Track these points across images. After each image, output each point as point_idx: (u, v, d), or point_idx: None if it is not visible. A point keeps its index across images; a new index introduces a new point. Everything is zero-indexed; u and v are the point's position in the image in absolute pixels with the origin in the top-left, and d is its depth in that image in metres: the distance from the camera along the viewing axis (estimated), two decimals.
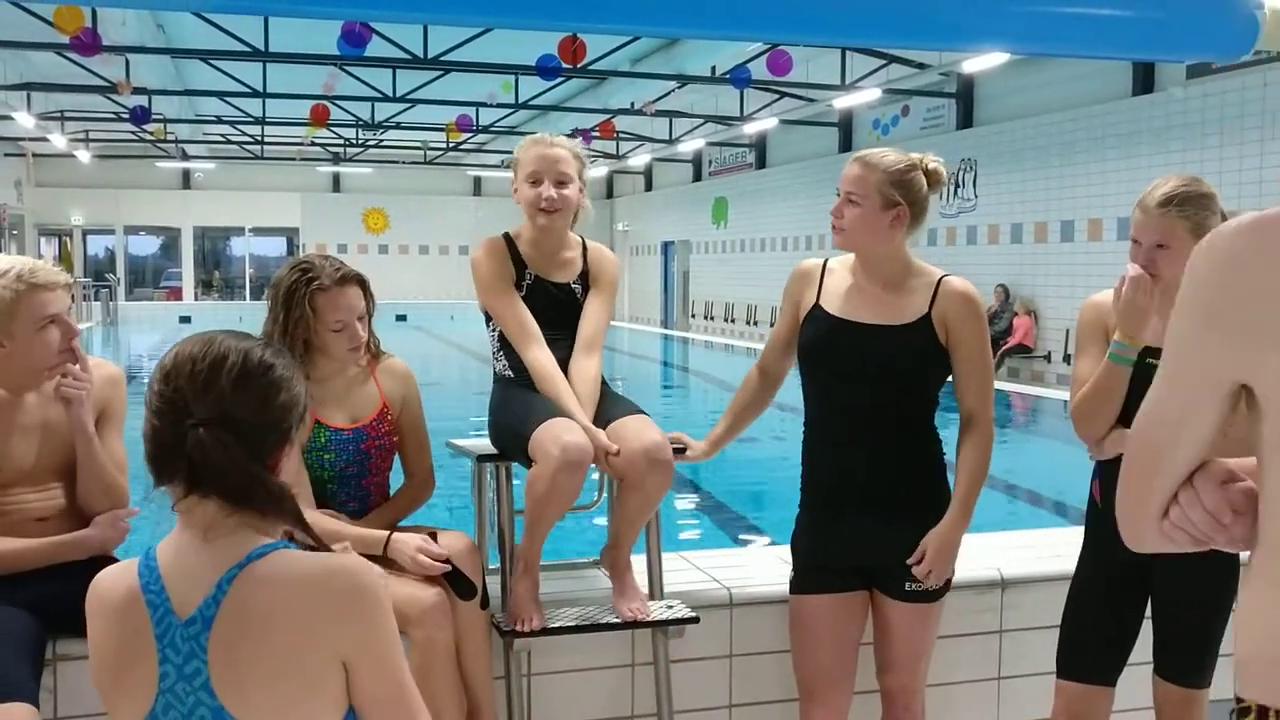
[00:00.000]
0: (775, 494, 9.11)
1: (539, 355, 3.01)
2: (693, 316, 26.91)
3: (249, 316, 30.79)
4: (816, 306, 2.89)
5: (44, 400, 2.73)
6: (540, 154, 3.06)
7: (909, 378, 2.78)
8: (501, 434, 3.08)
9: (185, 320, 27.25)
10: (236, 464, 1.61)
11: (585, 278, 3.18)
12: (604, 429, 2.90)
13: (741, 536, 7.56)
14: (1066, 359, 14.52)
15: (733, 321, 24.57)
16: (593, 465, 2.87)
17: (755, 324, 23.44)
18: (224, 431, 1.61)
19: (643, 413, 3.02)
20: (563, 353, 3.06)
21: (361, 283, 3.01)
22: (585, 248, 3.22)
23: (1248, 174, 11.85)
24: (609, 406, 3.03)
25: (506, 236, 3.19)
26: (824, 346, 2.85)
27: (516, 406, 3.00)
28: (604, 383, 3.10)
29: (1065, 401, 10.55)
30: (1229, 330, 1.30)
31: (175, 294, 32.13)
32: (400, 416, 3.13)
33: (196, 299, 31.92)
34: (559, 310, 3.11)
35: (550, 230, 3.09)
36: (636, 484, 2.91)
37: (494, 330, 3.16)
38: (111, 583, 1.69)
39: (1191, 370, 1.34)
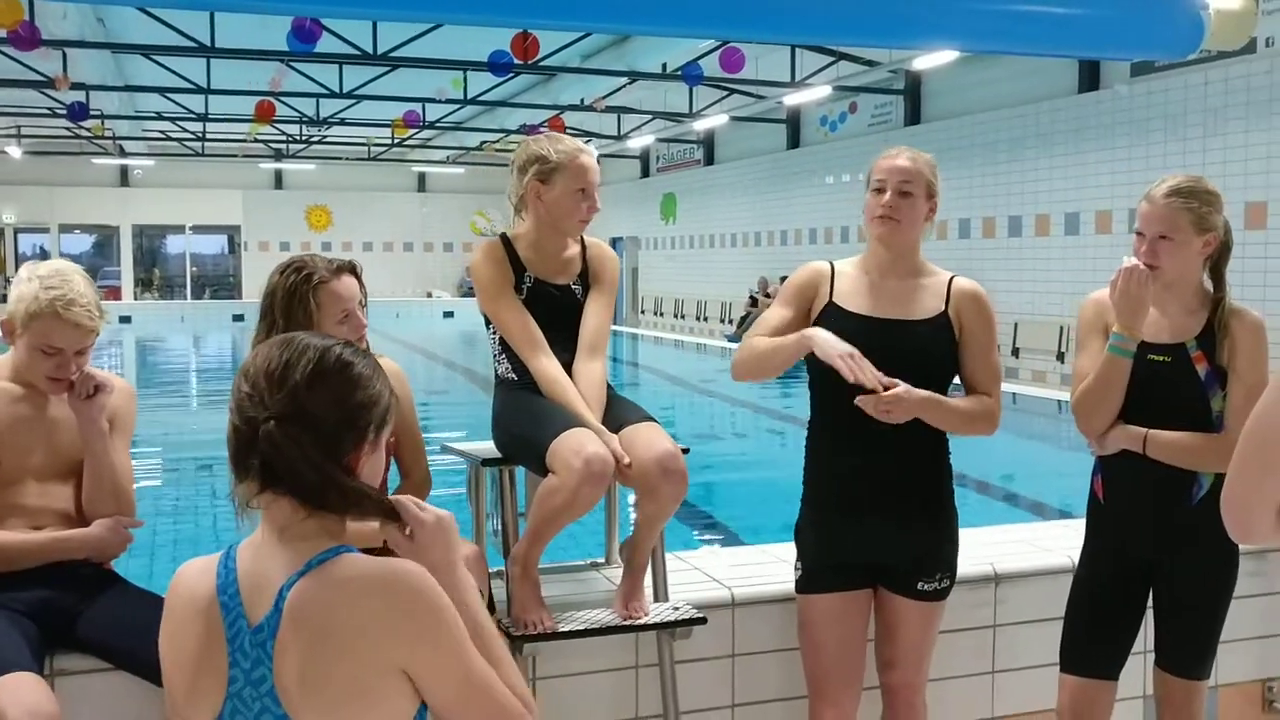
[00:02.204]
0: (732, 491, 9.15)
1: (546, 364, 2.99)
2: (642, 312, 26.93)
3: (191, 316, 30.42)
4: (831, 303, 2.89)
5: (58, 400, 2.71)
6: (589, 165, 3.07)
7: (926, 372, 2.78)
8: (511, 441, 3.06)
9: (125, 320, 26.75)
10: (309, 461, 1.60)
11: (585, 277, 3.17)
12: (614, 434, 2.89)
13: (699, 536, 7.54)
14: (1015, 353, 14.73)
15: (682, 317, 24.62)
16: None
17: (705, 320, 23.52)
18: (296, 427, 1.60)
19: (652, 419, 3.01)
20: (565, 355, 3.05)
21: (354, 270, 2.99)
22: (584, 245, 3.20)
23: (1191, 170, 12.07)
24: (617, 411, 3.02)
25: (504, 239, 3.16)
26: (847, 341, 2.81)
27: (527, 413, 2.97)
28: (610, 386, 3.09)
29: (1015, 395, 10.66)
30: None
31: (113, 293, 31.47)
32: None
33: (136, 298, 31.33)
34: (560, 313, 3.09)
35: (572, 234, 3.10)
36: (650, 493, 2.91)
37: (494, 334, 3.13)
38: (194, 583, 1.68)
39: None
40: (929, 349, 2.81)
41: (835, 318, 2.87)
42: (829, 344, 2.70)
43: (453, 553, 1.73)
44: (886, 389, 2.68)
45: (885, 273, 2.90)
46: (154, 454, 10.17)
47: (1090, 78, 13.85)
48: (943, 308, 2.85)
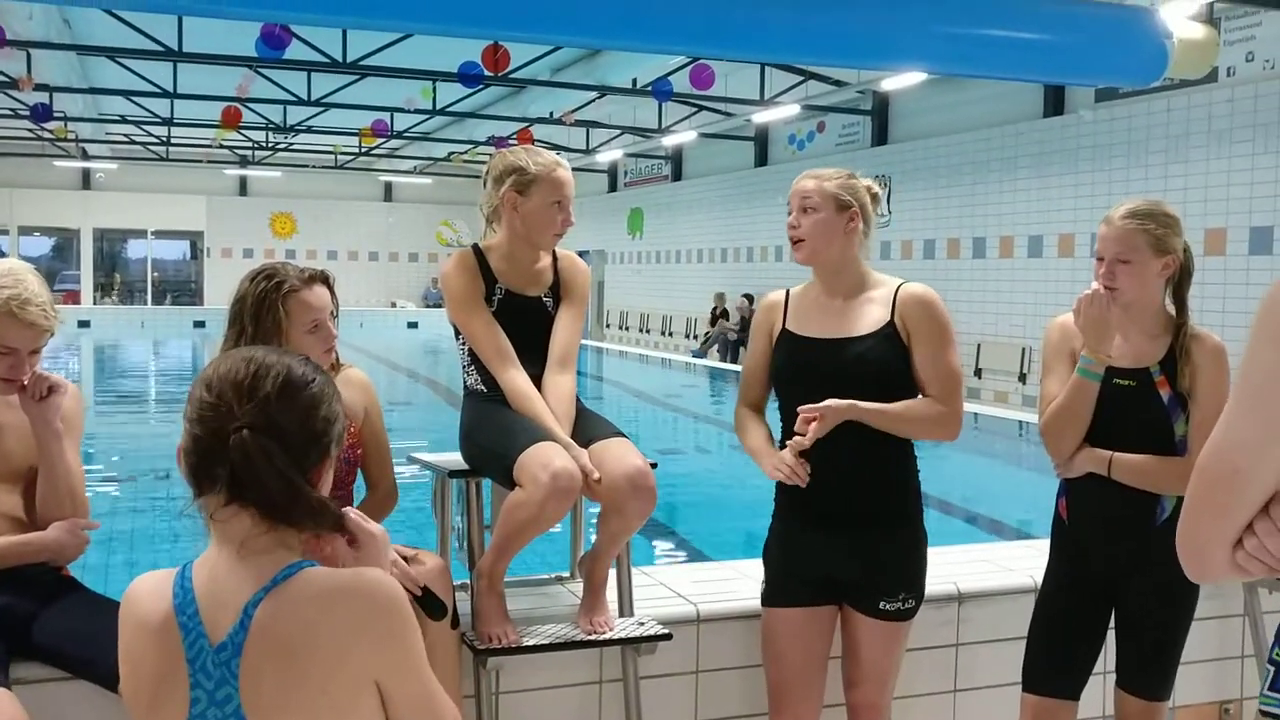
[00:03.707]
0: (696, 506, 9.15)
1: (515, 377, 2.98)
2: (607, 326, 26.93)
3: (151, 321, 30.06)
4: (784, 331, 2.93)
5: (4, 404, 2.66)
6: (566, 179, 3.08)
7: (877, 385, 2.79)
8: (479, 453, 3.04)
9: (84, 325, 26.40)
10: (279, 472, 1.59)
11: (556, 289, 3.16)
12: (583, 449, 2.88)
13: (663, 550, 7.53)
14: (978, 373, 14.85)
15: (648, 332, 24.64)
16: None
17: (670, 335, 23.55)
18: (267, 438, 1.59)
19: (622, 434, 3.01)
20: (534, 368, 3.04)
21: (327, 280, 2.97)
22: (556, 257, 3.20)
23: (1152, 195, 12.23)
24: (587, 425, 3.01)
25: (476, 249, 3.15)
26: (794, 366, 2.89)
27: (495, 426, 2.96)
28: (579, 400, 3.08)
29: (976, 415, 10.78)
30: None
31: (72, 297, 31.10)
32: (363, 428, 3.07)
33: (95, 303, 30.94)
34: (530, 325, 3.09)
35: (546, 247, 3.10)
36: (617, 509, 2.90)
37: (463, 344, 3.12)
38: (149, 604, 1.65)
39: (1273, 397, 1.34)
40: (873, 363, 2.81)
41: (787, 344, 2.92)
42: (769, 467, 2.85)
43: (385, 568, 1.76)
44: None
45: (832, 292, 2.92)
46: (111, 459, 10.05)
47: (1055, 102, 14.02)
48: (888, 318, 2.85)
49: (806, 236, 2.87)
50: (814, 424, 2.73)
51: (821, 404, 2.74)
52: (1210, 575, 1.43)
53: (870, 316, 2.86)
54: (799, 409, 2.76)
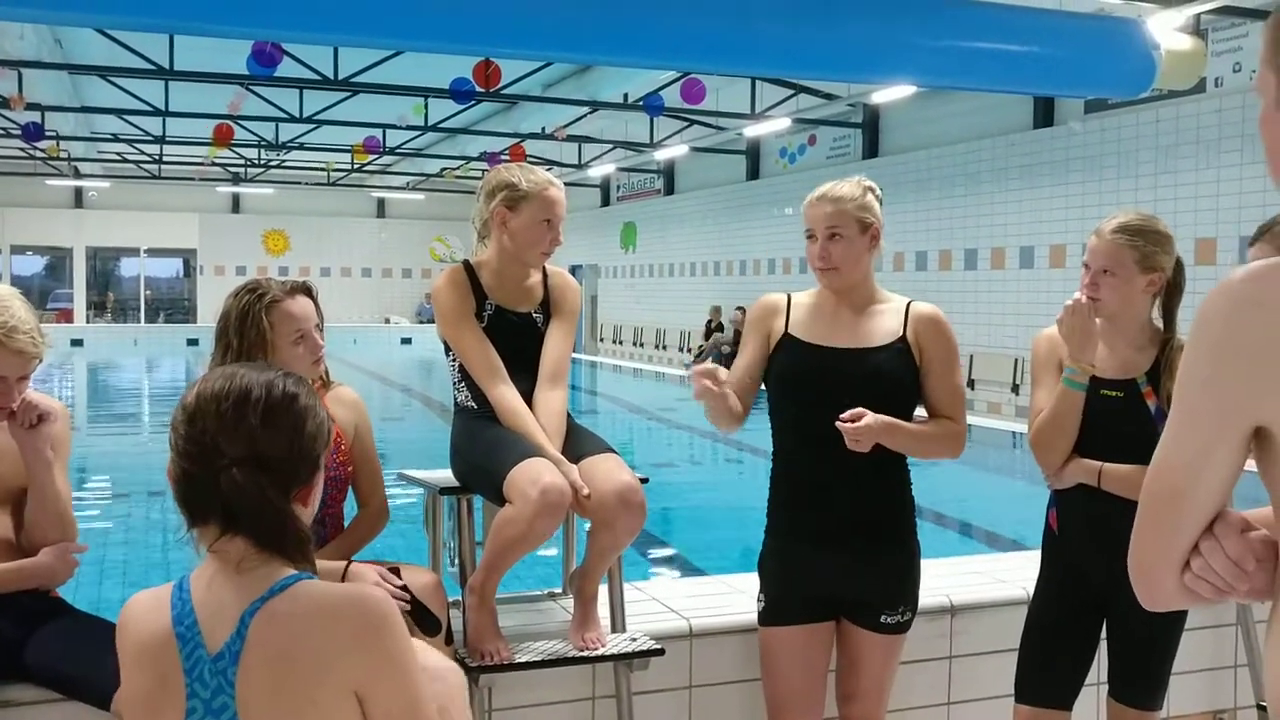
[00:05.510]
0: (690, 520, 9.14)
1: (505, 393, 2.98)
2: (600, 340, 26.94)
3: (144, 340, 30.02)
4: (787, 335, 2.90)
5: None
6: (557, 198, 3.08)
7: (885, 398, 2.78)
8: (469, 470, 3.04)
9: (77, 343, 26.36)
10: (269, 505, 1.60)
11: (547, 305, 3.17)
12: (573, 465, 2.88)
13: (656, 565, 7.52)
14: (971, 384, 14.86)
15: (641, 346, 24.65)
16: None
17: (663, 348, 23.57)
18: (257, 471, 1.60)
19: (612, 450, 3.01)
20: (524, 384, 3.04)
21: (309, 291, 2.97)
22: (546, 274, 3.21)
23: (1142, 206, 12.26)
24: (577, 442, 3.01)
25: (467, 265, 3.15)
26: (799, 372, 2.86)
27: (485, 442, 2.96)
28: (569, 416, 3.09)
29: (970, 426, 10.87)
30: (1242, 373, 1.28)
31: (65, 316, 31.06)
32: (353, 446, 3.07)
33: (88, 321, 30.89)
34: (520, 341, 3.09)
35: (534, 264, 3.10)
36: (607, 525, 2.90)
37: (454, 361, 3.12)
38: (147, 618, 1.66)
39: (1208, 413, 1.31)
40: (887, 375, 2.82)
41: (792, 349, 2.88)
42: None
43: None
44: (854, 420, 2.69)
45: (840, 303, 2.91)
46: (105, 479, 10.02)
47: (1045, 114, 14.07)
48: (901, 333, 2.86)
49: (840, 265, 2.85)
50: (858, 424, 2.67)
51: (861, 413, 2.68)
52: (1160, 600, 1.39)
53: (882, 329, 2.86)
54: (844, 415, 2.68)
